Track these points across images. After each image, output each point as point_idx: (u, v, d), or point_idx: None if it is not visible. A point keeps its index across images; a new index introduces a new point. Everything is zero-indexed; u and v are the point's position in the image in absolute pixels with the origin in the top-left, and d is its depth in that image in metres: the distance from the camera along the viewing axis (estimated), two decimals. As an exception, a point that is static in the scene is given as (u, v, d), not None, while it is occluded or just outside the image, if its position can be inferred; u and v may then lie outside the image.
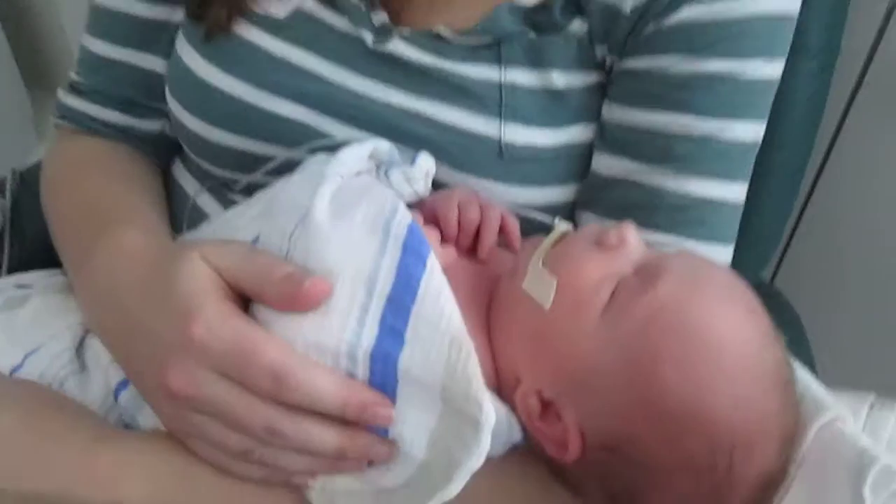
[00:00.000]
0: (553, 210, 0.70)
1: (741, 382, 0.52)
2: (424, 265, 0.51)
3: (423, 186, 0.62)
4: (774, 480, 0.53)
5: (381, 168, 0.62)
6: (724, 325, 0.53)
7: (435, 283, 0.51)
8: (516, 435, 0.55)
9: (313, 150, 0.65)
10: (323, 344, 0.50)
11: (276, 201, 0.59)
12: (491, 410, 0.49)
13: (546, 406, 0.55)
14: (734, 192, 0.68)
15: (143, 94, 0.77)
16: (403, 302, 0.51)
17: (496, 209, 0.63)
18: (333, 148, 0.61)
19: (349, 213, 0.54)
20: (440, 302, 0.51)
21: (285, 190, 0.59)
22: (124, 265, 0.58)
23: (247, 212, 0.63)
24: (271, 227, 0.56)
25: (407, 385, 0.51)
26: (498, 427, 0.50)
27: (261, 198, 0.63)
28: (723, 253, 0.69)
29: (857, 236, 1.15)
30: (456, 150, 0.67)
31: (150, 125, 0.79)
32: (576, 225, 0.71)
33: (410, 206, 0.57)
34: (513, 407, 0.55)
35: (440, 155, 0.65)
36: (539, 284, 0.56)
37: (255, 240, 0.56)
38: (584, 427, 0.54)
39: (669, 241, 0.67)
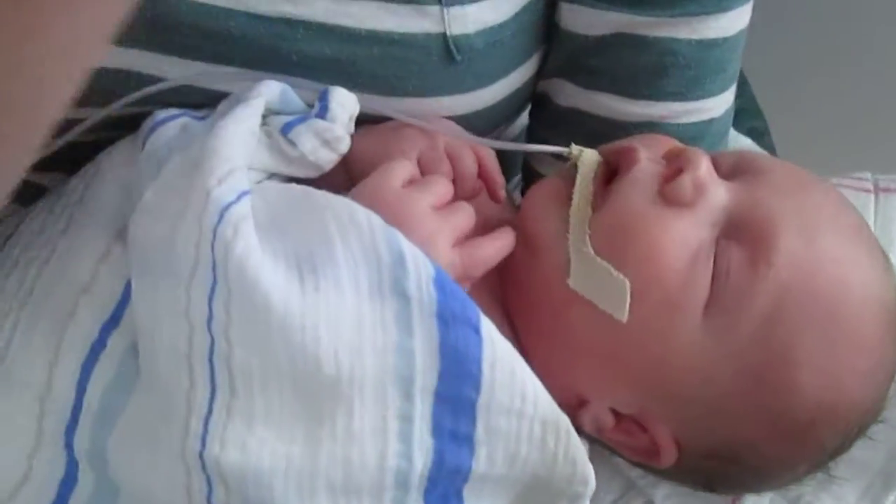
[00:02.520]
0: (509, 102, 0.59)
1: (880, 357, 0.48)
2: (479, 333, 0.39)
3: (347, 144, 0.48)
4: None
5: (271, 126, 0.47)
6: (860, 292, 0.46)
7: (502, 355, 0.39)
8: None
9: (141, 105, 0.48)
10: (356, 483, 0.38)
11: (137, 245, 0.42)
12: (593, 479, 0.43)
13: (621, 415, 0.49)
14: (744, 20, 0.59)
15: None
16: (463, 395, 0.39)
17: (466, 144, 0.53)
18: (173, 100, 0.48)
19: (319, 268, 0.39)
20: (516, 380, 0.40)
21: (139, 224, 0.42)
22: None
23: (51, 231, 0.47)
24: (146, 291, 0.41)
25: (476, 484, 0.41)
26: None
27: (71, 212, 0.48)
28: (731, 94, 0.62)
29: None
30: (387, 70, 0.52)
31: None
32: (540, 102, 0.61)
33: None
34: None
35: (360, 84, 0.51)
36: (597, 283, 0.45)
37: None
38: (682, 437, 0.49)
39: (687, 108, 0.59)
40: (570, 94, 0.62)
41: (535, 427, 0.40)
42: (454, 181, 0.52)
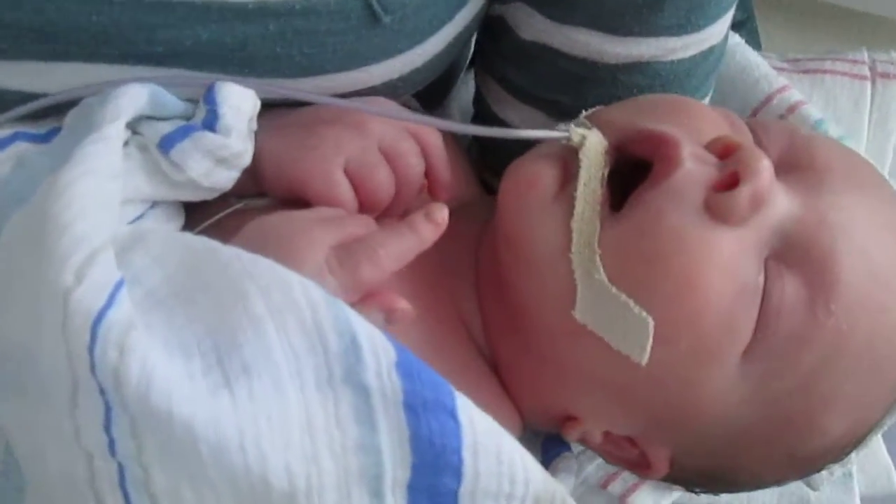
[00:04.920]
0: (454, 47, 0.47)
1: None
2: (456, 419, 0.33)
3: (249, 156, 0.40)
4: None
5: (146, 138, 0.38)
6: None
7: (484, 439, 0.33)
8: None
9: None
10: None
11: None
12: None
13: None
14: None
15: None
16: (441, 485, 0.33)
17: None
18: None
19: (251, 365, 0.31)
20: (503, 464, 0.33)
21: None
22: None
23: None
24: (11, 409, 0.34)
25: None
26: None
27: None
28: None
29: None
30: (290, 48, 0.41)
31: None
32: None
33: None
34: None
35: (259, 70, 0.41)
36: (611, 317, 0.37)
37: None
38: (679, 458, 0.44)
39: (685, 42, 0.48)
40: (537, 28, 0.49)
41: None
42: (396, 185, 0.42)
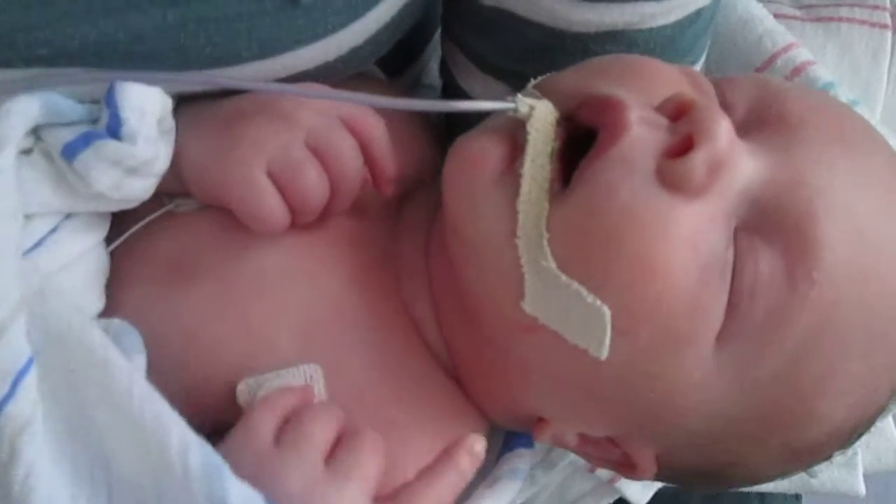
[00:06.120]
0: (401, 19, 0.43)
1: None
2: None
3: (164, 161, 0.37)
4: None
5: (47, 142, 0.35)
6: None
7: None
8: None
9: None
10: None
11: None
12: None
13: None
14: None
15: None
16: None
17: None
18: None
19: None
20: None
21: None
22: None
23: None
24: None
25: None
26: None
27: None
28: None
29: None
30: (197, 39, 0.36)
31: None
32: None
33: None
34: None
35: (166, 64, 0.36)
36: (563, 307, 0.34)
37: None
38: (666, 457, 0.40)
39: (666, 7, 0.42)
40: None
41: None
42: (330, 183, 0.38)
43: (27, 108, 0.34)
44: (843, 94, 0.55)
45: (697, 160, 0.33)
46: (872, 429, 0.48)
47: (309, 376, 0.37)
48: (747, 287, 0.34)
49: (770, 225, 0.34)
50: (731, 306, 0.34)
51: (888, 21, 0.66)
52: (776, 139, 0.36)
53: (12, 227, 0.33)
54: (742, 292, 0.34)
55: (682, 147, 0.34)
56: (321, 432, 0.35)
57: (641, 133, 0.34)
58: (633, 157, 0.34)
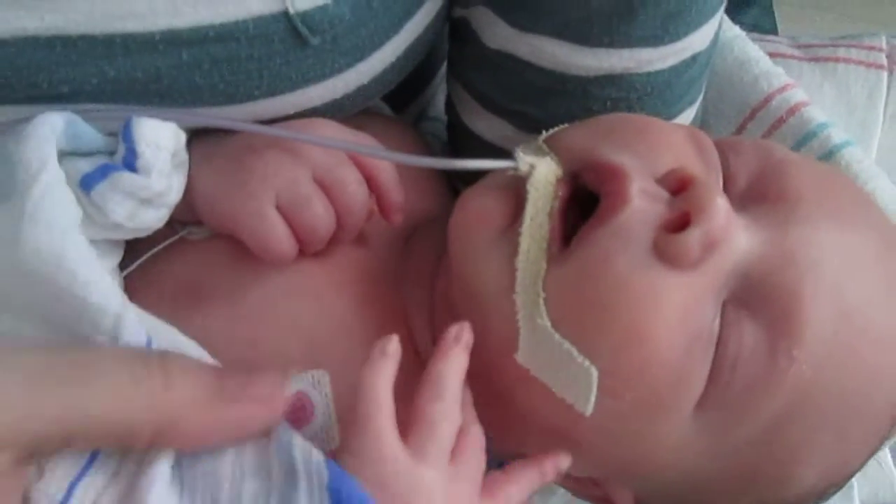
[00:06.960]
0: (407, 59, 0.44)
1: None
2: None
3: (177, 193, 0.38)
4: None
5: (66, 170, 0.36)
6: (891, 383, 0.37)
7: None
8: None
9: None
10: None
11: None
12: None
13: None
14: None
15: None
16: None
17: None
18: None
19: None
20: None
21: None
22: None
23: None
24: None
25: None
26: None
27: None
28: None
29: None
30: (210, 77, 0.38)
31: None
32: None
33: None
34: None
35: (180, 100, 0.38)
36: (553, 364, 0.35)
37: None
38: (646, 501, 0.41)
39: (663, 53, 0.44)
40: (501, 35, 0.45)
41: None
42: (336, 215, 0.40)
43: (54, 123, 0.36)
44: (837, 135, 0.56)
45: (693, 237, 0.34)
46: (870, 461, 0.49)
47: (317, 381, 0.38)
48: (730, 359, 0.35)
49: (758, 300, 0.35)
50: (713, 376, 0.35)
51: (884, 62, 0.67)
52: (773, 215, 0.37)
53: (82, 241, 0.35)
54: (724, 364, 0.35)
55: (680, 223, 0.35)
56: (449, 432, 0.35)
57: (641, 205, 0.35)
58: (631, 229, 0.35)
